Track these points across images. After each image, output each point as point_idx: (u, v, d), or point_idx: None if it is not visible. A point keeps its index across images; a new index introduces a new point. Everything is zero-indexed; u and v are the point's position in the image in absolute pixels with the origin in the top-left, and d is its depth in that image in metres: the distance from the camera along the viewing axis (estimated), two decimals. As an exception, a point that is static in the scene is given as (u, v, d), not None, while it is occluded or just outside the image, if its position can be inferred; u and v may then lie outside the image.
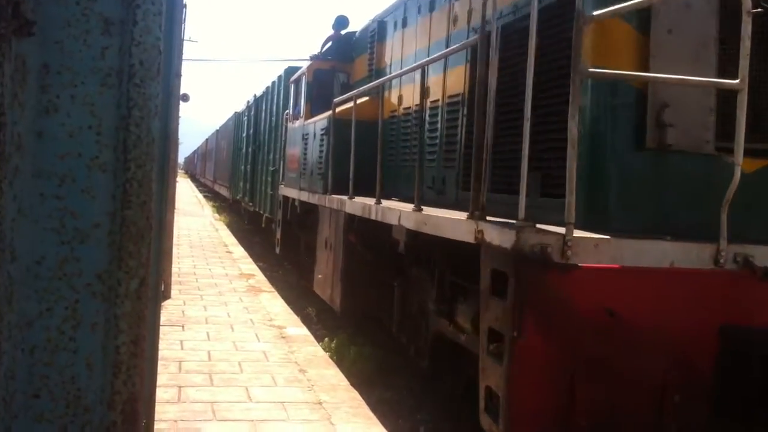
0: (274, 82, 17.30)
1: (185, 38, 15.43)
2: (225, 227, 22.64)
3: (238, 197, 23.93)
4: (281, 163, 13.58)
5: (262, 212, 17.33)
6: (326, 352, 7.73)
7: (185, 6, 13.18)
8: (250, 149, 20.80)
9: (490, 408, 4.02)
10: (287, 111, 13.04)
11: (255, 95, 21.18)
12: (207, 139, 48.09)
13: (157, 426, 3.73)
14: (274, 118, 16.38)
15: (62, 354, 1.42)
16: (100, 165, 1.46)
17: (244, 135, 23.01)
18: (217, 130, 37.39)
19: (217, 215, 27.96)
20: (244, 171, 21.93)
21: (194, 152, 74.20)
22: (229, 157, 27.87)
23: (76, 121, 1.46)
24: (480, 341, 4.24)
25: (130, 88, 1.50)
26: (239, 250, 15.94)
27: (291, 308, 9.60)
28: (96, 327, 1.44)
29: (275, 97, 16.51)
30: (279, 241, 13.66)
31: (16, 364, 1.40)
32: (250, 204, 19.91)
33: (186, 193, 39.81)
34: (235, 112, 27.44)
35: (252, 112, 21.50)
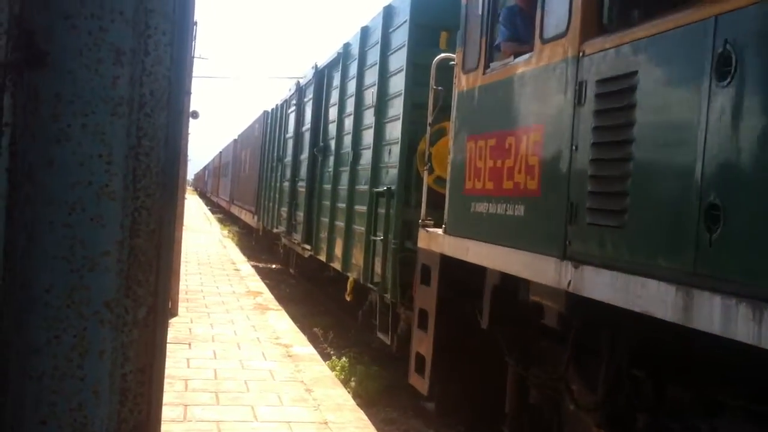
0: (366, 28, 9.68)
1: (195, 56, 15.50)
2: (233, 244, 22.67)
3: (276, 230, 16.51)
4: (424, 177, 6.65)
5: (342, 271, 10.02)
6: (333, 371, 7.72)
7: (196, 24, 13.31)
8: (302, 157, 13.62)
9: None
10: (496, 39, 5.40)
11: (315, 65, 13.07)
12: (221, 152, 43.56)
13: (162, 447, 3.73)
14: (372, 92, 8.93)
15: (69, 381, 1.43)
16: (109, 193, 1.47)
17: (289, 137, 15.52)
18: (235, 140, 32.40)
19: (225, 232, 28.01)
20: (290, 192, 14.61)
21: (205, 168, 73.53)
22: (256, 172, 21.31)
23: (86, 150, 1.48)
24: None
25: (141, 118, 1.51)
26: (247, 268, 15.97)
27: (298, 326, 9.60)
28: (103, 355, 1.45)
29: (382, 51, 8.74)
30: (429, 359, 5.92)
31: (24, 392, 1.42)
32: (307, 248, 12.54)
33: (194, 209, 39.91)
34: (264, 111, 20.87)
35: (307, 98, 13.66)
